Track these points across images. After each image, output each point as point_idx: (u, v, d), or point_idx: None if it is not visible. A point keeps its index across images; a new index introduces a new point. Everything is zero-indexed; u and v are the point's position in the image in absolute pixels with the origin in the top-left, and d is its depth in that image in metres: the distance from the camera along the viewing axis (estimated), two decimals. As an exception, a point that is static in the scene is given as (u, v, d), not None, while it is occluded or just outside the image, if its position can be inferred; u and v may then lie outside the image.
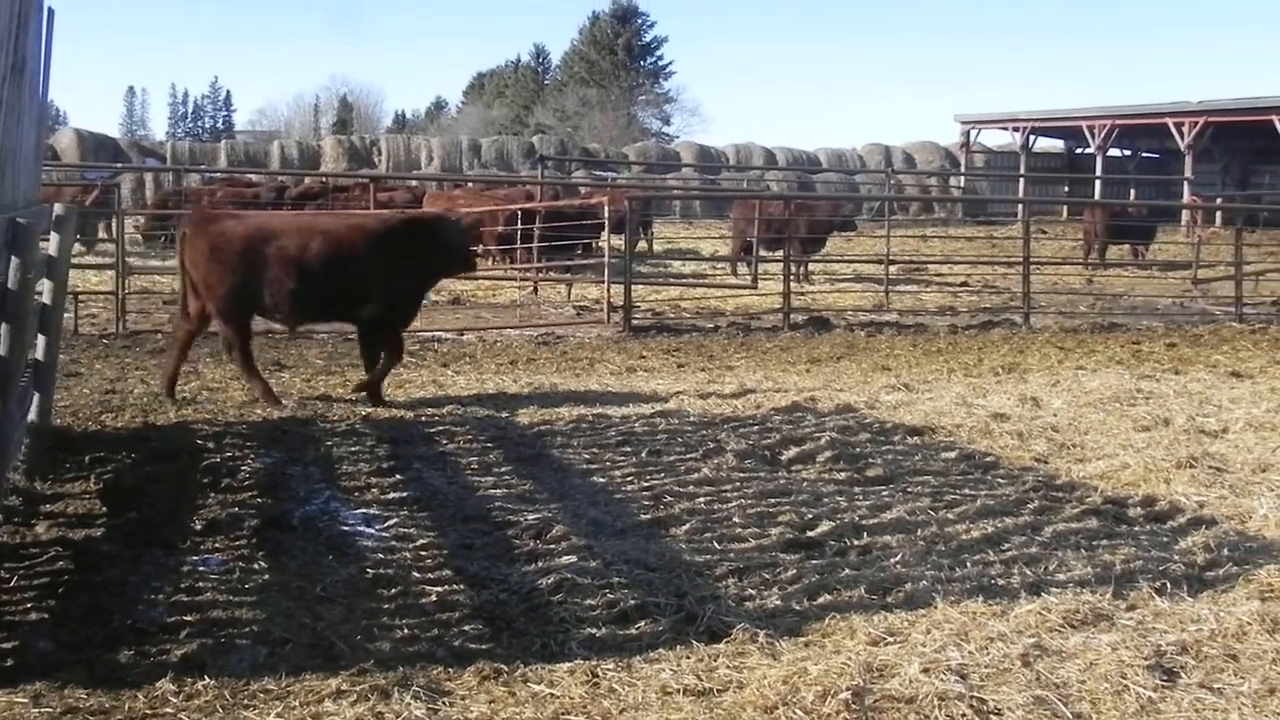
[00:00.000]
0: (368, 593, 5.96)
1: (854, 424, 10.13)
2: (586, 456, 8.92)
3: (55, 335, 9.10)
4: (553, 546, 6.67)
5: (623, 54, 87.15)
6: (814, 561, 6.50)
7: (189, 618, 5.53)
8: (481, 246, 21.44)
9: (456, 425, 9.99)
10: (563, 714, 4.67)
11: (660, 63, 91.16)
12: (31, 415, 8.68)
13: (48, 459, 8.34)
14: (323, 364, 13.36)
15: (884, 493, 7.98)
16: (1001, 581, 6.15)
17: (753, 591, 5.99)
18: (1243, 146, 53.02)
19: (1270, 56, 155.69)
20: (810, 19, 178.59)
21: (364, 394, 10.87)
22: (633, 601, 5.74)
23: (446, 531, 7.01)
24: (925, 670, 4.92)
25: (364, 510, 7.43)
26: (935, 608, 5.68)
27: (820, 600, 5.85)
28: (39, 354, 8.51)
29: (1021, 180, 53.69)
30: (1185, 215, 39.55)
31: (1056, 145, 63.04)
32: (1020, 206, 38.42)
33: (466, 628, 5.51)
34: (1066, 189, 56.73)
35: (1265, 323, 19.07)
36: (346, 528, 7.08)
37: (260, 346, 14.36)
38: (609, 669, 5.02)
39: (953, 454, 9.16)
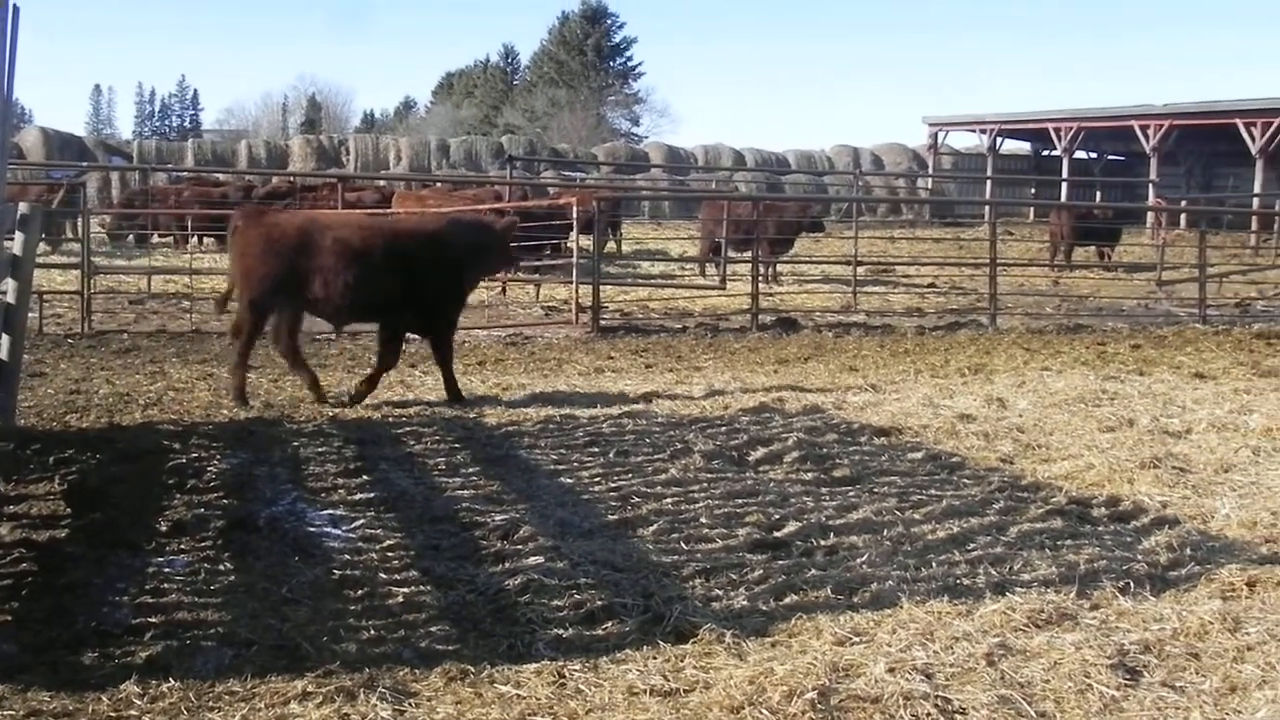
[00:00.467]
0: (334, 594, 5.95)
1: (821, 425, 10.15)
2: (554, 457, 8.91)
3: (19, 335, 9.05)
4: (520, 547, 6.66)
5: (592, 54, 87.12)
6: (780, 562, 6.50)
7: (154, 619, 5.51)
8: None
9: (424, 426, 9.97)
10: (529, 715, 4.66)
11: (629, 63, 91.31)
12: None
13: (11, 459, 8.30)
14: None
15: (850, 493, 8.00)
16: (967, 581, 6.17)
17: (719, 592, 6.00)
18: (1206, 149, 53.43)
19: (1233, 60, 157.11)
20: (779, 21, 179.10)
21: (450, 399, 11.06)
22: (600, 602, 5.74)
23: (413, 532, 6.99)
24: (891, 670, 4.94)
25: (331, 511, 7.41)
26: (901, 608, 5.70)
27: (787, 600, 5.86)
28: (2, 354, 8.46)
29: (989, 182, 53.96)
30: (1150, 217, 39.80)
31: (1023, 147, 63.36)
32: (987, 208, 38.62)
33: (433, 629, 5.50)
34: (1033, 191, 57.03)
35: (1228, 324, 19.20)
36: (313, 529, 7.05)
37: (227, 346, 14.32)
38: (576, 670, 5.02)
39: (919, 454, 9.19)
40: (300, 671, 4.93)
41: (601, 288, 17.57)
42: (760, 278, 19.56)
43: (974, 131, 59.82)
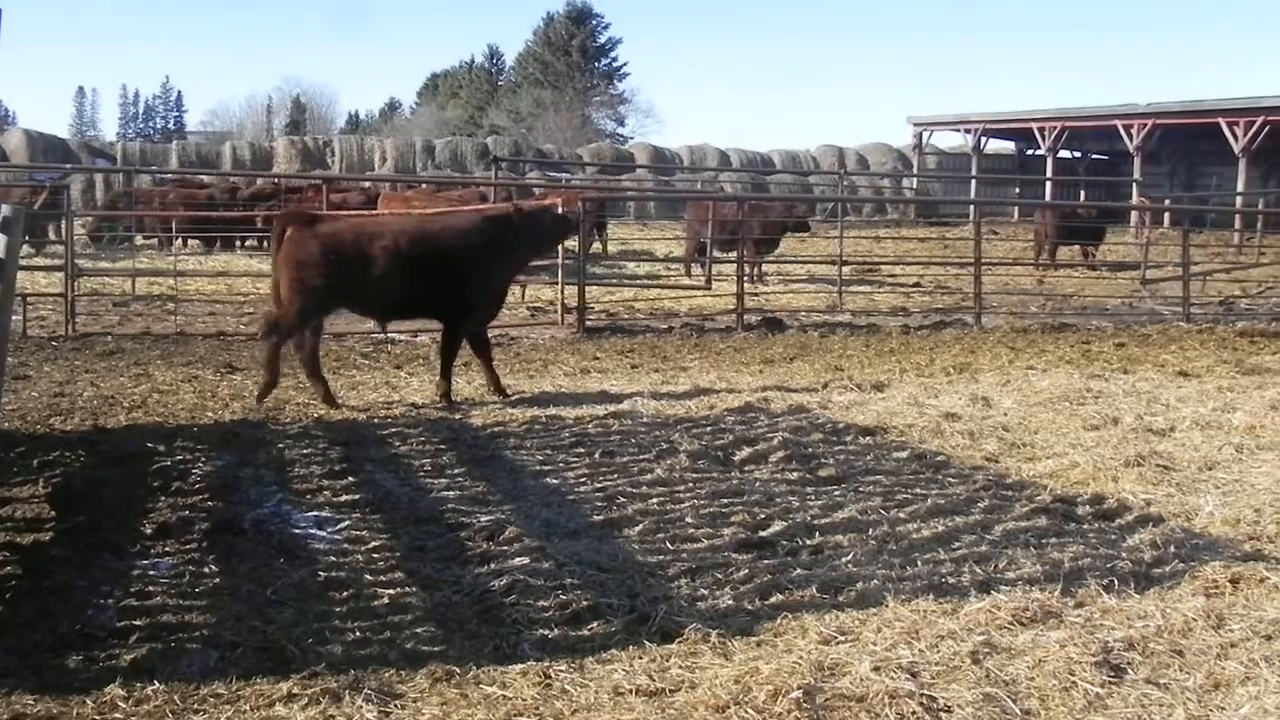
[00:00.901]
0: (319, 596, 5.94)
1: (807, 424, 10.16)
2: (540, 458, 8.91)
3: (3, 337, 8.99)
4: (505, 548, 6.66)
5: (577, 55, 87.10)
6: (766, 561, 6.51)
7: (138, 622, 5.50)
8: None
9: (409, 427, 9.96)
10: (515, 715, 4.67)
11: (615, 64, 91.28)
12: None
13: (-5, 462, 8.27)
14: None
15: (836, 492, 8.00)
16: (952, 580, 6.19)
17: (705, 592, 6.01)
18: (1189, 148, 53.51)
19: (1216, 59, 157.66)
20: (764, 21, 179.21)
21: (498, 394, 11.29)
22: (585, 602, 5.75)
23: (399, 534, 6.99)
24: (876, 669, 4.95)
25: (316, 513, 7.40)
26: (886, 606, 5.72)
27: (772, 600, 5.87)
28: (-14, 357, 8.41)
29: (973, 182, 54.03)
30: (1134, 216, 39.91)
31: (1007, 147, 63.38)
32: (972, 208, 38.69)
33: (418, 630, 5.51)
34: (1017, 190, 57.07)
35: (1212, 323, 19.22)
36: (298, 531, 7.05)
37: (212, 348, 14.33)
38: (561, 670, 5.03)
39: (904, 454, 9.21)
40: (285, 673, 4.93)
41: (587, 288, 17.54)
42: (746, 278, 19.56)
43: (959, 131, 59.90)
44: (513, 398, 11.23)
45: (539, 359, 14.24)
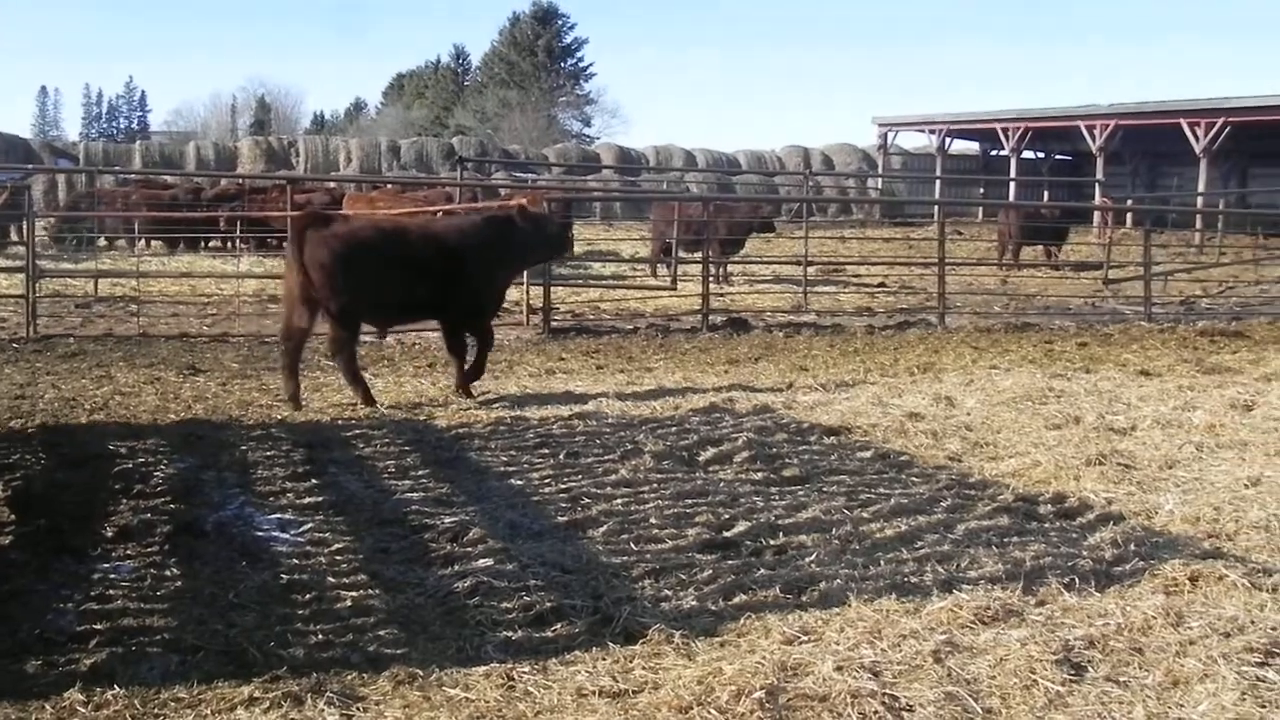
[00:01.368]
0: (282, 599, 5.91)
1: (771, 424, 10.17)
2: (504, 459, 8.88)
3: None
4: (469, 549, 6.64)
5: (543, 55, 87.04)
6: (730, 562, 6.51)
7: (99, 626, 5.46)
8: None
9: (373, 428, 9.92)
10: (478, 718, 4.66)
11: (580, 64, 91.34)
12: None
13: (-46, 466, 8.19)
14: (238, 367, 13.22)
15: (800, 492, 8.01)
16: (915, 579, 6.20)
17: (669, 592, 6.00)
18: (1151, 149, 53.87)
19: (1175, 61, 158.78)
20: (730, 22, 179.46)
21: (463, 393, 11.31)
22: (549, 604, 5.74)
23: (362, 536, 6.96)
24: (839, 668, 4.95)
25: (279, 515, 7.36)
26: (849, 606, 5.72)
27: (736, 600, 5.87)
28: (-55, 359, 8.36)
29: (938, 182, 54.25)
30: (1096, 216, 40.16)
31: (972, 147, 63.69)
32: (936, 208, 38.81)
33: (382, 632, 5.48)
34: (981, 191, 57.35)
35: (1173, 322, 19.36)
36: (261, 533, 7.00)
37: (174, 350, 14.25)
38: (525, 672, 5.02)
39: (868, 453, 9.23)
40: (247, 677, 4.89)
41: (552, 289, 17.54)
42: (711, 278, 19.58)
43: (923, 132, 60.07)
44: (478, 399, 11.20)
45: (504, 360, 14.20)
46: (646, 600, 5.89)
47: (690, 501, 7.70)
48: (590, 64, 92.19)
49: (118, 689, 4.77)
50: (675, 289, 20.07)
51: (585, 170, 51.94)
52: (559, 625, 5.54)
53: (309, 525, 7.16)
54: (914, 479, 8.46)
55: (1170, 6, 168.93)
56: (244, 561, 6.46)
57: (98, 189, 32.92)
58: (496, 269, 11.55)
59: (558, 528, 7.15)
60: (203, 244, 28.31)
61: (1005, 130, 54.22)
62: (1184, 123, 46.21)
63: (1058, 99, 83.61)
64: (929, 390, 11.96)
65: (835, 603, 5.80)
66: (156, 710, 4.66)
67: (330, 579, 6.22)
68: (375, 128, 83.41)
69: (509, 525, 7.16)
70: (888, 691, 4.79)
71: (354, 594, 5.98)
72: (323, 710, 4.63)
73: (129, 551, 6.59)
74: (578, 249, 30.10)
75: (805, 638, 5.37)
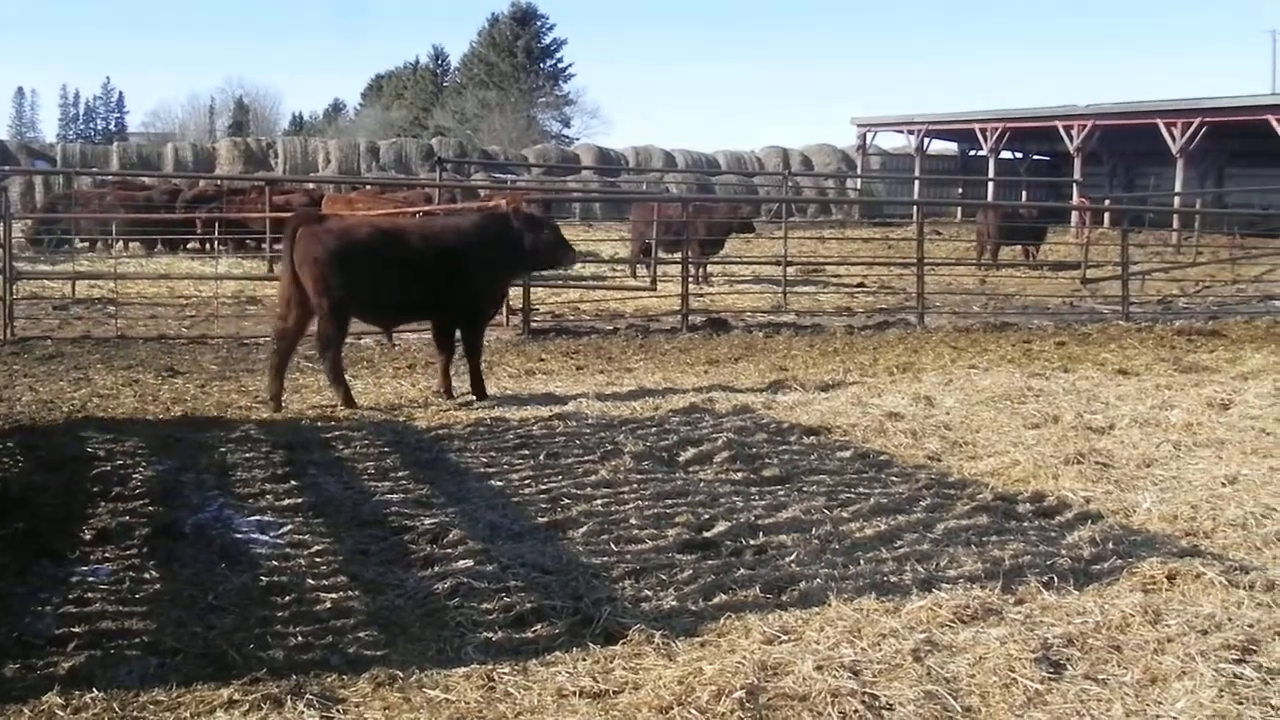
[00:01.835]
0: (261, 601, 5.90)
1: (751, 424, 10.18)
2: (484, 460, 8.88)
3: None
4: (449, 551, 6.64)
5: (522, 56, 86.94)
6: (710, 562, 6.52)
7: (77, 629, 5.45)
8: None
9: (353, 430, 9.90)
10: (458, 719, 4.66)
11: (560, 65, 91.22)
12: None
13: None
14: (217, 369, 13.17)
15: (780, 492, 8.02)
16: (894, 578, 6.22)
17: (649, 593, 6.01)
18: (1128, 149, 54.02)
19: (1150, 62, 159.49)
20: (709, 23, 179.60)
21: (445, 396, 11.33)
22: (529, 605, 5.74)
23: (342, 537, 6.95)
24: (819, 668, 4.97)
25: (258, 517, 7.34)
26: (829, 606, 5.73)
27: (716, 600, 5.88)
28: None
29: (916, 182, 54.33)
30: (1074, 216, 40.30)
31: (950, 148, 63.84)
32: (915, 208, 38.87)
33: (361, 634, 5.48)
34: (960, 191, 57.56)
35: (1151, 321, 19.40)
36: (240, 535, 6.99)
37: (153, 352, 14.20)
38: (505, 673, 5.02)
39: (848, 453, 9.24)
40: (226, 679, 4.89)
41: (532, 289, 17.51)
42: (691, 279, 19.60)
43: (902, 132, 60.20)
44: (458, 400, 11.18)
45: (484, 361, 14.06)
46: (627, 600, 5.89)
47: (670, 502, 7.71)
48: (569, 65, 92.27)
49: (96, 692, 4.76)
50: (655, 289, 20.07)
51: (565, 171, 51.90)
52: (539, 626, 5.54)
53: (288, 527, 7.14)
54: (893, 478, 8.48)
55: (1147, 7, 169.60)
56: (223, 564, 6.44)
57: (75, 190, 32.76)
58: (494, 271, 11.51)
59: (538, 529, 7.14)
60: (181, 245, 28.18)
61: (984, 131, 54.39)
62: (1161, 123, 46.39)
63: (1036, 100, 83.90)
64: (908, 390, 11.98)
65: (815, 602, 5.81)
66: (135, 713, 4.64)
67: (310, 581, 6.21)
68: (354, 129, 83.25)
69: (489, 526, 7.15)
70: (867, 690, 4.81)
71: (334, 596, 5.97)
72: (302, 712, 4.63)
73: (107, 554, 6.57)
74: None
75: (785, 637, 5.38)
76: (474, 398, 11.28)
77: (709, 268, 24.70)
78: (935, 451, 9.38)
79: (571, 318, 18.75)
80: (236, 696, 4.74)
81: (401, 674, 4.99)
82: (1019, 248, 30.48)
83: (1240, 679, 4.92)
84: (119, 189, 31.61)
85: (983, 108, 56.52)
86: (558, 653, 5.25)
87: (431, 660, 5.17)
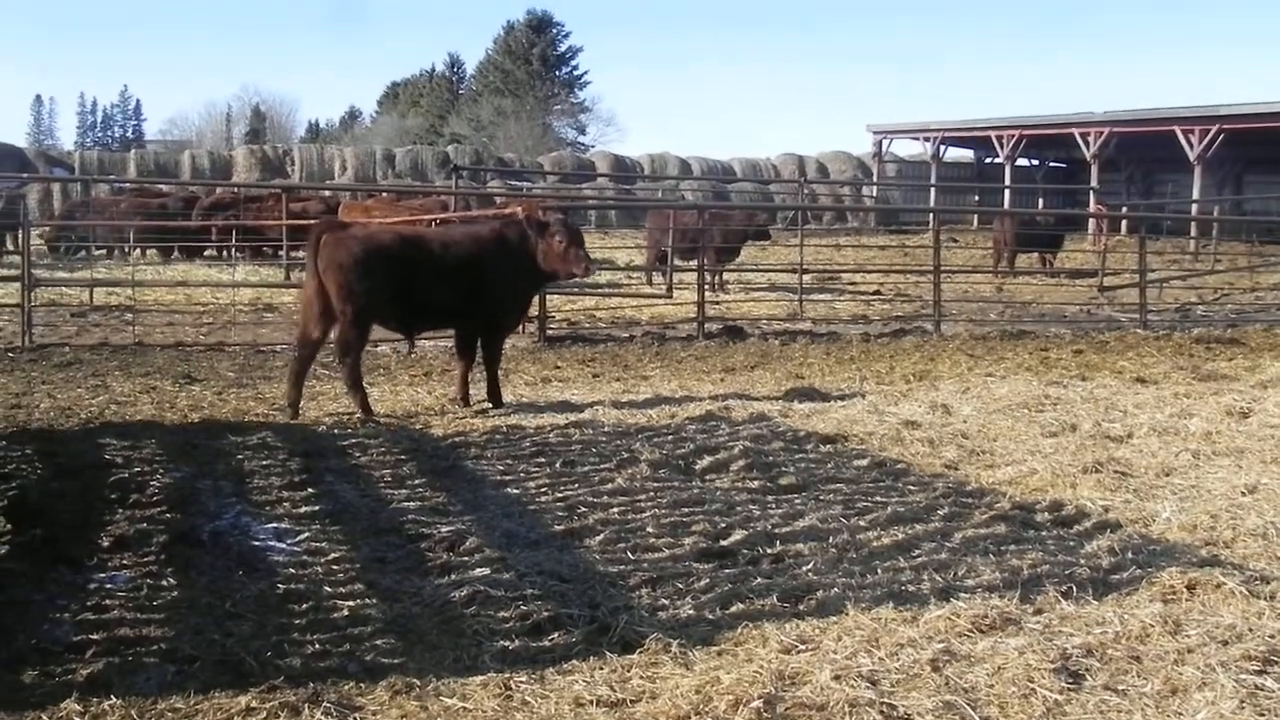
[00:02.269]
0: (278, 608, 5.90)
1: (767, 432, 10.15)
2: (500, 468, 8.87)
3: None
4: (466, 559, 6.64)
5: (538, 64, 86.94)
6: (727, 570, 6.51)
7: (95, 636, 5.45)
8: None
9: (370, 437, 9.90)
10: (474, 728, 4.65)
11: (575, 72, 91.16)
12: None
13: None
14: (234, 376, 13.19)
15: (797, 501, 8.00)
16: (912, 588, 6.20)
17: (666, 601, 6.00)
18: (1146, 156, 53.80)
19: (1171, 68, 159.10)
20: (724, 30, 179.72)
21: (462, 404, 11.37)
22: (546, 613, 5.73)
23: (359, 545, 6.95)
24: (836, 677, 4.95)
25: (275, 524, 7.34)
26: (846, 615, 5.72)
27: (733, 609, 5.87)
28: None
29: (932, 189, 54.16)
30: (1091, 224, 40.14)
31: (966, 155, 63.67)
32: (931, 215, 38.83)
33: (378, 642, 5.48)
34: (976, 198, 57.37)
35: (1169, 329, 19.31)
36: (257, 542, 6.99)
37: (170, 359, 14.23)
38: (522, 681, 5.01)
39: (865, 461, 9.21)
40: (244, 687, 4.89)
41: (548, 297, 17.49)
42: (707, 286, 19.57)
43: (918, 139, 60.06)
44: (474, 408, 11.19)
45: (500, 368, 14.17)
46: (644, 609, 5.88)
47: (687, 510, 7.69)
48: (585, 72, 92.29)
49: (114, 699, 4.76)
50: (671, 297, 20.08)
51: (580, 178, 51.90)
52: (556, 634, 5.53)
53: (305, 534, 7.14)
54: (911, 487, 8.45)
55: (1165, 14, 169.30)
56: (240, 571, 6.44)
57: (93, 198, 32.88)
58: (520, 278, 11.45)
59: (554, 536, 7.14)
60: (198, 253, 28.26)
61: (1000, 137, 54.21)
62: (1178, 130, 46.16)
63: (1052, 106, 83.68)
64: (925, 398, 11.95)
65: (833, 611, 5.79)
66: (153, 720, 4.62)
67: (327, 588, 6.21)
68: (370, 136, 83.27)
69: (505, 534, 7.14)
70: (886, 700, 4.79)
71: (351, 603, 5.97)
72: (320, 720, 4.61)
73: (125, 561, 6.58)
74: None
75: (803, 647, 5.36)
76: (491, 405, 11.27)
77: (725, 275, 24.67)
78: (952, 460, 9.34)
79: (587, 325, 18.75)
80: (254, 704, 4.73)
81: (419, 682, 4.97)
82: (1036, 255, 30.39)
83: (1262, 690, 4.89)
84: (136, 196, 31.71)
85: (999, 114, 56.51)
86: (575, 661, 5.23)
87: (448, 668, 5.16)
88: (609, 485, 8.32)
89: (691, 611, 5.85)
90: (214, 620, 5.69)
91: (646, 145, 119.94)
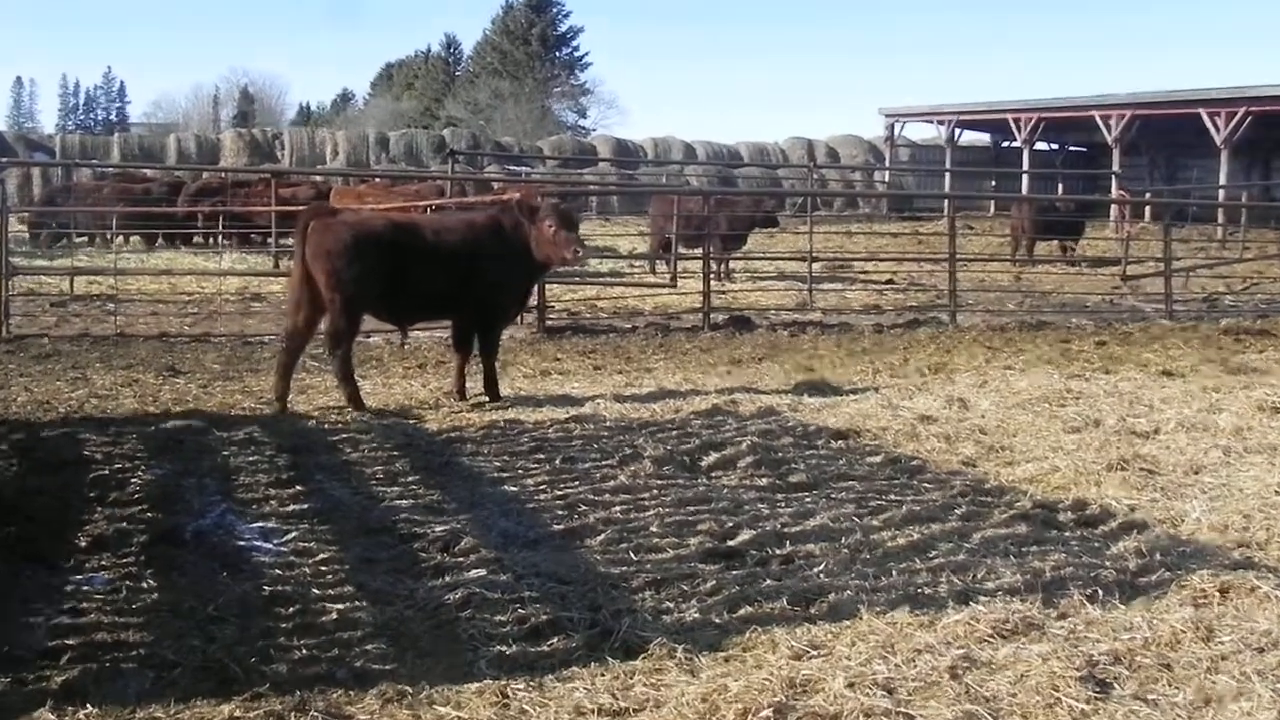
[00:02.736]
0: (264, 611, 5.80)
1: (776, 428, 10.02)
2: (497, 464, 8.76)
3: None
4: (461, 559, 6.54)
5: (537, 44, 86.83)
6: (734, 572, 6.39)
7: (71, 641, 5.36)
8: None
9: (361, 432, 9.79)
10: (469, 738, 4.56)
11: (576, 54, 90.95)
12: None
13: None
14: (220, 368, 13.13)
15: (807, 499, 7.86)
16: (929, 590, 6.07)
17: (670, 604, 5.89)
18: (1170, 140, 53.50)
19: (1193, 49, 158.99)
20: (730, 9, 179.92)
21: (458, 398, 11.20)
22: (545, 617, 5.64)
23: (349, 545, 6.86)
24: (850, 685, 4.84)
25: (261, 523, 7.24)
26: (860, 619, 5.59)
27: (741, 613, 5.75)
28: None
29: (947, 174, 53.82)
30: (1114, 210, 39.92)
31: (982, 139, 63.43)
32: (946, 202, 38.63)
33: (369, 647, 5.38)
34: (993, 183, 57.11)
35: (1196, 320, 19.17)
36: (242, 542, 6.89)
37: (153, 351, 14.14)
38: (519, 689, 4.92)
39: (878, 458, 9.08)
40: (227, 695, 4.81)
41: (548, 286, 17.28)
42: (713, 275, 19.47)
43: (931, 123, 59.89)
44: (470, 402, 11.06)
45: (497, 360, 13.99)
46: (647, 613, 5.77)
47: (692, 509, 7.58)
48: (586, 53, 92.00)
49: (90, 708, 4.67)
50: (675, 286, 19.93)
51: (581, 163, 51.78)
52: (555, 639, 5.44)
53: (293, 534, 7.03)
54: (926, 485, 8.32)
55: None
56: (224, 572, 6.35)
57: (74, 183, 32.80)
58: (517, 267, 11.26)
59: (553, 536, 7.04)
60: (184, 240, 28.03)
61: (1017, 121, 53.89)
62: (1204, 112, 45.80)
63: (1072, 88, 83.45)
64: (941, 392, 11.80)
65: (846, 615, 5.67)
66: (132, 730, 4.55)
67: (315, 591, 6.11)
68: (363, 119, 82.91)
69: (502, 534, 7.04)
70: (902, 710, 4.70)
71: (340, 606, 5.87)
72: (307, 729, 4.54)
73: (104, 562, 6.48)
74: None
75: (814, 652, 5.26)
76: (487, 399, 11.13)
77: (731, 264, 24.63)
78: (970, 457, 9.20)
79: (589, 315, 18.66)
80: (238, 713, 4.67)
81: (411, 689, 4.89)
82: (1055, 243, 30.23)
83: (1302, 701, 4.74)
84: (120, 181, 31.59)
85: (1016, 97, 56.10)
86: (575, 668, 5.13)
87: (442, 675, 5.07)
88: (611, 483, 8.20)
89: (697, 615, 5.73)
90: (196, 624, 5.59)
91: (650, 129, 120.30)
